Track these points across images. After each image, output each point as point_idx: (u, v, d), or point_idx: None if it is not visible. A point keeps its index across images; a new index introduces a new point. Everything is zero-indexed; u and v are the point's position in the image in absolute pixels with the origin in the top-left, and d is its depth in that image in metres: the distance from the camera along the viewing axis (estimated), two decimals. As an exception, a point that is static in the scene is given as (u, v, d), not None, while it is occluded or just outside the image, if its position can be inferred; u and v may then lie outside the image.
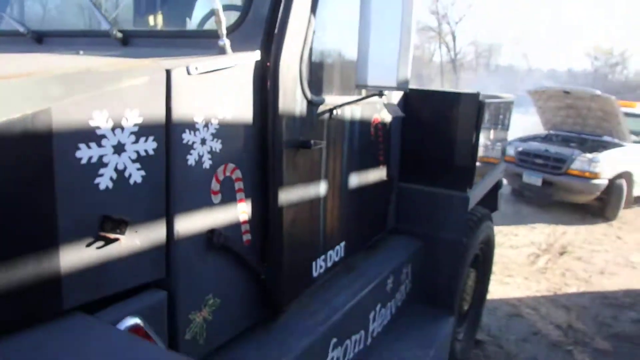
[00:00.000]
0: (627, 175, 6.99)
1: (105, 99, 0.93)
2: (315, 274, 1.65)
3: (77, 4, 1.98)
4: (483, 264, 3.18)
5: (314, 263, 1.63)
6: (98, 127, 0.92)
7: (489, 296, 4.08)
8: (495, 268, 4.80)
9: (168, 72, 1.03)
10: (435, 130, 2.30)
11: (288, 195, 1.42)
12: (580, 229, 6.57)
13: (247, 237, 1.34)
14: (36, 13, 2.10)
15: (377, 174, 2.09)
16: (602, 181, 6.65)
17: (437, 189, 2.35)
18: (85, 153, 0.91)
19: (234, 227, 1.28)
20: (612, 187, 6.76)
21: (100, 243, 0.96)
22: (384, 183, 2.16)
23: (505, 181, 8.04)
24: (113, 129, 0.94)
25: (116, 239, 0.98)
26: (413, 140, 2.31)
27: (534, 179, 6.97)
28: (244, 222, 1.32)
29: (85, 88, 0.91)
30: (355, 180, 1.87)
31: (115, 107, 0.94)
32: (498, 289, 4.36)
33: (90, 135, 0.91)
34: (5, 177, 0.81)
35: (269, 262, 1.40)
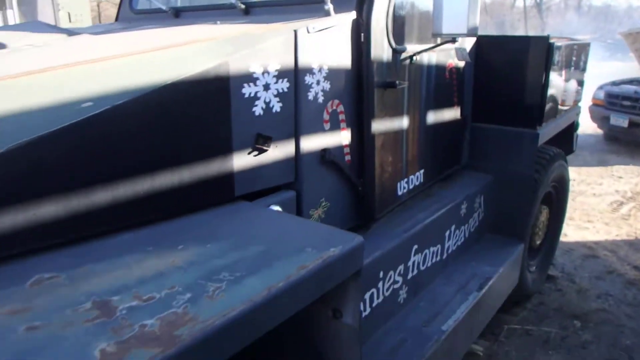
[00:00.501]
0: None
1: (258, 53, 1.36)
2: (399, 193, 2.03)
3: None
4: (557, 202, 3.36)
5: (398, 184, 2.01)
6: (254, 72, 1.35)
7: (566, 239, 4.23)
8: (575, 214, 4.88)
9: (295, 32, 1.44)
10: (505, 73, 2.52)
11: (378, 126, 1.80)
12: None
13: (348, 157, 1.75)
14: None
15: (452, 113, 2.39)
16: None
17: (508, 127, 2.59)
18: (247, 90, 1.35)
19: (339, 149, 1.70)
20: None
21: (255, 152, 1.42)
22: (458, 121, 2.46)
23: (596, 127, 7.84)
24: (263, 74, 1.37)
25: (264, 150, 1.43)
26: (485, 83, 2.55)
27: (620, 120, 7.10)
28: (346, 145, 1.73)
29: (245, 46, 1.34)
30: (432, 117, 2.20)
31: (263, 58, 1.37)
32: (576, 232, 4.46)
33: (250, 78, 1.35)
34: (204, 105, 1.27)
35: (364, 178, 1.81)
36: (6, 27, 2.67)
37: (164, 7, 2.25)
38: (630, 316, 3.14)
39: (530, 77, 2.49)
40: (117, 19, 2.59)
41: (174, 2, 2.61)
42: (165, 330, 0.80)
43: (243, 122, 1.36)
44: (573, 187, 5.78)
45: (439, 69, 2.18)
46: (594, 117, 7.76)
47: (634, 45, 7.95)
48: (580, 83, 3.37)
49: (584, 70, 3.35)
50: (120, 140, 1.11)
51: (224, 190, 1.36)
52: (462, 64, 2.36)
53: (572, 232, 4.46)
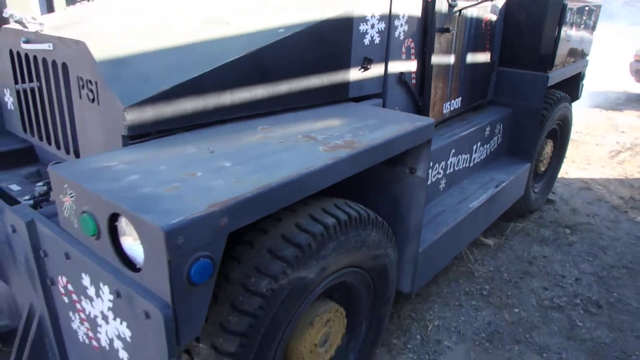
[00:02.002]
0: None
1: (368, 2, 2.11)
2: (444, 111, 2.83)
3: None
4: (560, 138, 4.14)
5: (444, 104, 2.80)
6: (366, 16, 2.12)
7: (567, 176, 5.04)
8: (577, 158, 5.66)
9: (391, -11, 2.19)
10: (527, 27, 3.24)
11: (435, 60, 2.57)
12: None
13: (413, 80, 2.53)
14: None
15: (484, 57, 3.14)
16: None
17: (526, 71, 3.34)
18: (362, 27, 2.12)
19: (409, 74, 2.48)
20: None
21: (362, 70, 2.20)
22: (488, 64, 3.21)
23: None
24: (371, 17, 2.14)
25: (368, 68, 2.22)
26: (511, 34, 3.28)
27: None
28: (413, 72, 2.51)
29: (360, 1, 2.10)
30: (470, 58, 2.95)
31: (371, 6, 2.13)
32: (576, 172, 5.25)
33: (363, 19, 2.11)
34: (338, 35, 2.05)
35: (423, 96, 2.60)
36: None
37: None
38: (609, 228, 3.99)
39: (546, 31, 3.21)
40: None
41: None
42: (347, 144, 1.63)
43: (357, 48, 2.14)
44: (580, 137, 6.52)
45: (478, 21, 2.91)
46: (632, 72, 9.20)
47: None
48: (589, 40, 4.05)
49: (593, 28, 4.03)
50: (296, 53, 1.90)
51: (343, 93, 2.17)
52: (494, 18, 3.09)
53: (573, 171, 5.25)
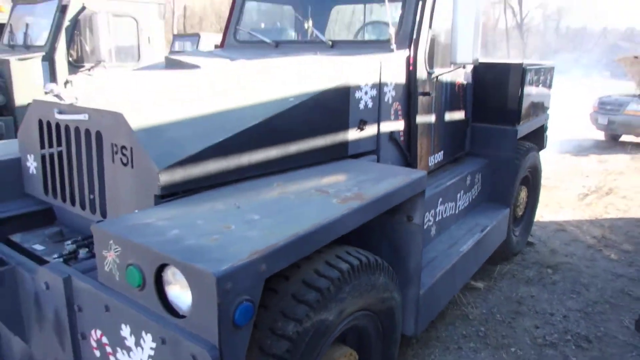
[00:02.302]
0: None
1: (362, 72, 2.42)
2: (430, 164, 3.10)
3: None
4: (532, 183, 4.48)
5: (429, 157, 3.08)
6: (360, 84, 2.41)
7: (542, 219, 5.35)
8: (550, 202, 6.01)
9: (380, 60, 2.50)
10: (494, 88, 3.64)
11: (419, 120, 2.87)
12: (632, 177, 7.51)
13: (402, 138, 2.81)
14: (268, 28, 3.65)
15: (459, 114, 3.49)
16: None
17: (496, 125, 3.70)
18: (357, 94, 2.40)
19: (397, 132, 2.76)
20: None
21: (358, 130, 2.46)
22: (463, 120, 3.56)
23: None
24: (364, 85, 2.43)
25: (363, 129, 2.48)
26: (481, 95, 3.67)
27: (602, 118, 10.23)
28: (401, 131, 2.79)
29: (354, 68, 2.40)
30: (448, 116, 3.29)
31: (365, 76, 2.43)
32: (550, 215, 5.58)
33: (358, 87, 2.40)
34: (337, 102, 2.31)
35: (410, 152, 2.87)
36: (176, 54, 3.46)
37: (267, 40, 3.28)
38: (588, 266, 4.24)
39: (511, 90, 3.61)
40: (222, 45, 3.61)
41: (266, 35, 3.65)
42: (357, 196, 1.83)
43: (354, 112, 2.41)
44: (549, 183, 6.95)
45: (452, 85, 3.28)
46: (592, 120, 10.65)
47: (626, 68, 9.85)
48: (548, 95, 4.52)
49: (550, 86, 4.51)
50: (304, 118, 2.15)
51: (343, 151, 2.41)
52: (466, 81, 3.47)
53: (547, 214, 5.58)
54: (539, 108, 4.30)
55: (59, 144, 2.13)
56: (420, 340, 3.09)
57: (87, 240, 1.91)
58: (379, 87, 2.53)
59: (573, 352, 3.04)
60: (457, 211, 3.39)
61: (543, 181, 5.12)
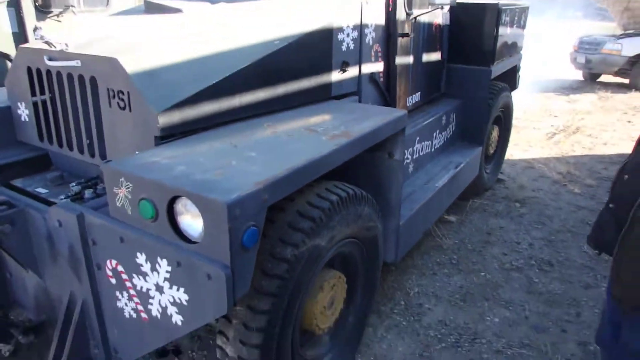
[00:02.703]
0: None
1: (345, 14, 2.48)
2: (408, 105, 3.24)
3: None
4: (504, 122, 4.70)
5: (407, 98, 3.22)
6: (342, 26, 2.48)
7: (512, 157, 5.64)
8: (520, 141, 6.30)
9: (360, 1, 2.56)
10: (470, 28, 3.74)
11: (398, 60, 2.97)
12: (598, 116, 7.86)
13: (382, 79, 2.92)
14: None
15: (436, 56, 3.60)
16: (623, 58, 9.92)
17: (470, 66, 3.83)
18: (340, 36, 2.48)
19: (377, 73, 2.86)
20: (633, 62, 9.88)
21: (341, 72, 2.56)
22: (439, 62, 3.68)
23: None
24: (346, 27, 2.50)
25: (345, 71, 2.58)
26: (457, 35, 3.76)
27: (580, 57, 10.69)
28: (381, 72, 2.89)
29: (336, 9, 2.45)
30: (425, 57, 3.39)
31: (347, 18, 2.49)
32: (519, 154, 5.88)
33: (341, 29, 2.47)
34: (321, 43, 2.39)
35: (389, 92, 2.99)
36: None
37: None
38: (553, 200, 4.58)
39: (486, 31, 3.72)
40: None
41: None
42: (344, 133, 1.97)
43: (337, 54, 2.50)
44: (519, 123, 7.23)
45: (430, 26, 3.36)
46: (571, 59, 11.06)
47: (613, 8, 10.20)
48: (522, 36, 4.64)
49: (524, 27, 4.62)
50: (289, 60, 2.23)
51: (327, 92, 2.52)
52: (443, 22, 3.55)
53: (517, 153, 5.88)
54: (513, 48, 4.43)
55: (51, 91, 2.16)
56: (399, 268, 3.37)
57: (90, 181, 2.01)
58: (360, 28, 2.60)
59: (536, 274, 3.39)
60: (433, 149, 3.59)
61: (514, 121, 5.35)
